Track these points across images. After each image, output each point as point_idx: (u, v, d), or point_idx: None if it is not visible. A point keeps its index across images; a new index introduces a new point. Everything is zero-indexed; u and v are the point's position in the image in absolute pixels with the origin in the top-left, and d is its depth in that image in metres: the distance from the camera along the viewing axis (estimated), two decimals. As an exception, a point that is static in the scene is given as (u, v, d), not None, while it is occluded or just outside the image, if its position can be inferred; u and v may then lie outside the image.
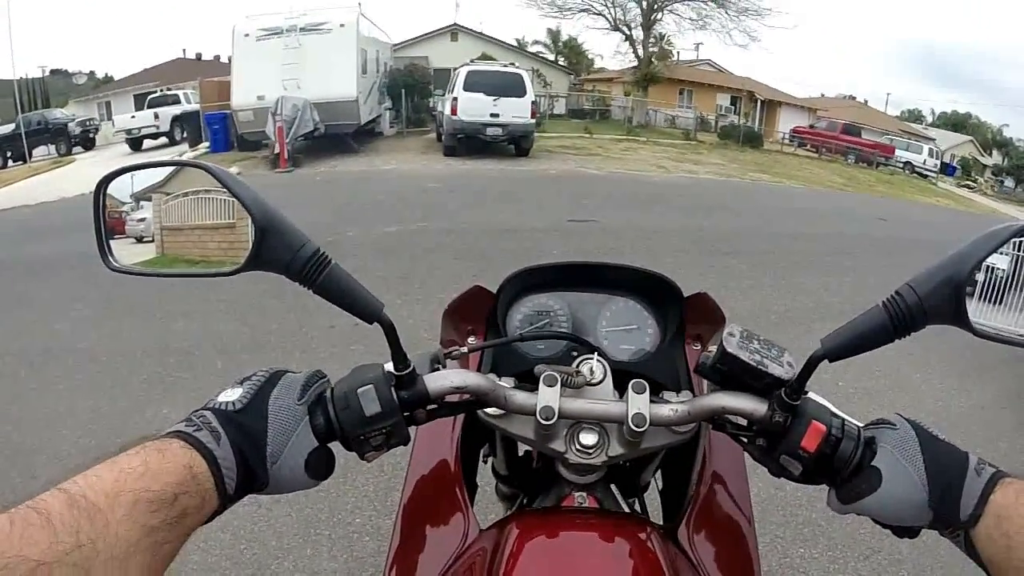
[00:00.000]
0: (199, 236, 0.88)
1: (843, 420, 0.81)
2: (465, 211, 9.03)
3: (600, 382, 0.96)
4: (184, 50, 46.44)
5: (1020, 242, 0.77)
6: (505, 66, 19.17)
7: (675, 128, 33.60)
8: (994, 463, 0.74)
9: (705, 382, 0.91)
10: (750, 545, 1.14)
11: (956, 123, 74.60)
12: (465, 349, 1.06)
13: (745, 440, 0.87)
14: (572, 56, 52.60)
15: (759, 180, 20.38)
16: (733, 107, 42.16)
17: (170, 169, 0.91)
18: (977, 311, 0.78)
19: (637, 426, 0.84)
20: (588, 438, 0.91)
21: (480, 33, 37.68)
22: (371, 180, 11.41)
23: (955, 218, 23.40)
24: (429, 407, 0.85)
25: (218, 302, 5.85)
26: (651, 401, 0.87)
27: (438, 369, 0.90)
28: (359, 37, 19.23)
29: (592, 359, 0.99)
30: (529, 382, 0.95)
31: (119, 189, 0.86)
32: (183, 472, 0.64)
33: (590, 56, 52.55)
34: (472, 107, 16.70)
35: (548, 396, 0.87)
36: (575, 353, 1.13)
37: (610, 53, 61.62)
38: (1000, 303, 0.94)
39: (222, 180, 0.78)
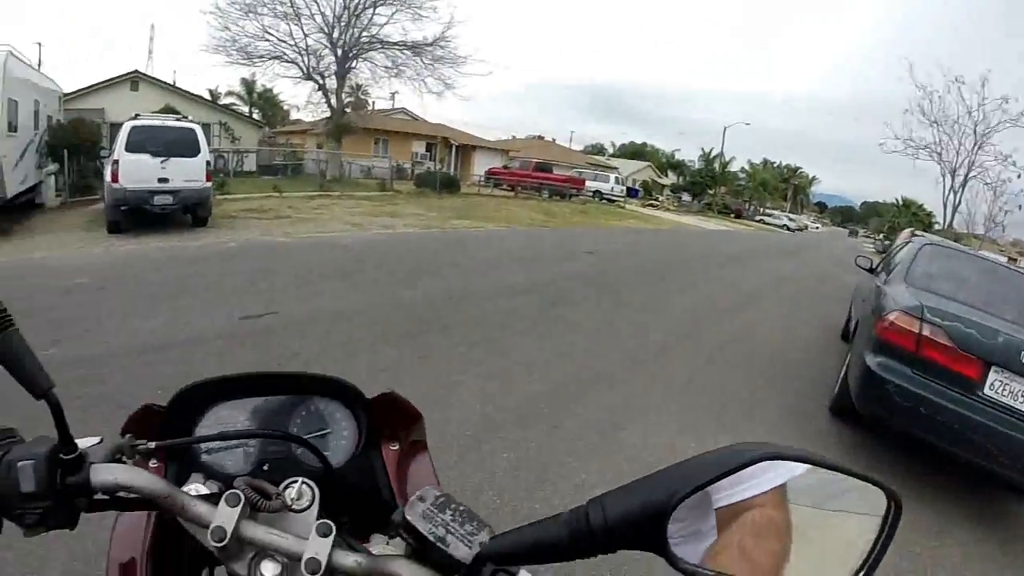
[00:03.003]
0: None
1: None
2: (112, 321, 7.05)
3: (304, 509, 0.89)
4: None
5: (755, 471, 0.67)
6: (178, 119, 16.68)
7: (371, 179, 33.17)
8: None
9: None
10: None
11: (634, 152, 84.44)
12: (152, 445, 0.97)
13: None
14: (267, 107, 51.03)
15: (460, 227, 20.30)
16: (429, 153, 43.19)
17: None
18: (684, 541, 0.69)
19: (312, 572, 0.78)
20: (269, 569, 0.82)
21: (164, 82, 34.94)
22: (3, 279, 9.15)
23: (651, 238, 25.56)
24: (95, 497, 0.81)
25: None
26: (341, 545, 0.81)
27: (120, 461, 0.88)
28: (7, 84, 16.01)
29: (298, 482, 0.90)
30: None
31: None
32: None
33: (286, 107, 51.17)
34: (136, 172, 14.08)
35: (224, 516, 0.81)
36: (267, 467, 1.18)
37: (303, 103, 60.48)
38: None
39: None
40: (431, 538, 0.76)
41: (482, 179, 40.93)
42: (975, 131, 41.25)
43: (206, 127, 28.38)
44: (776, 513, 0.72)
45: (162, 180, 14.46)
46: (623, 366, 7.26)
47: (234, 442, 1.21)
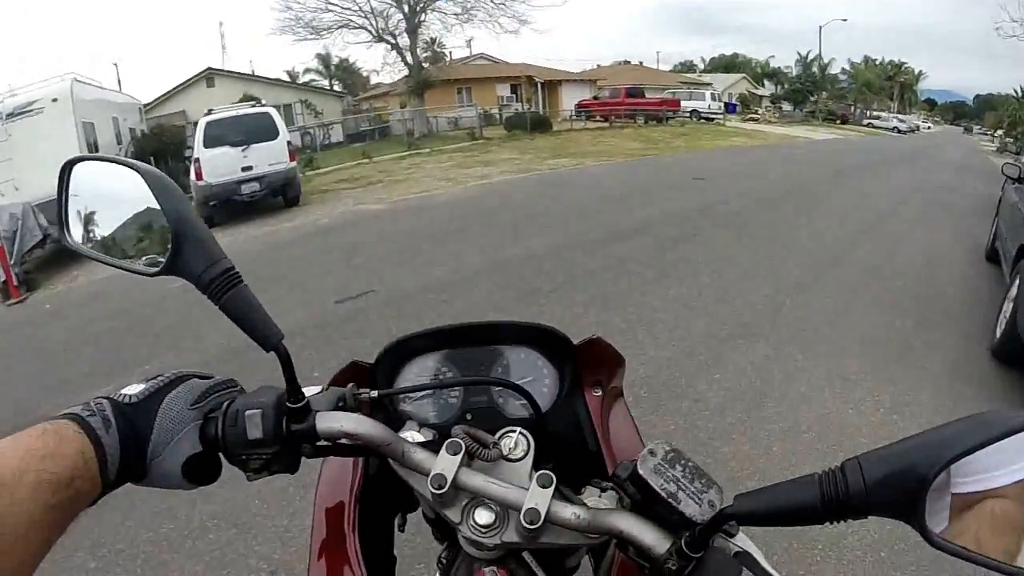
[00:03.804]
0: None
1: None
2: (204, 325, 6.30)
3: (519, 459, 0.85)
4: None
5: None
6: (252, 106, 16.46)
7: (460, 129, 32.49)
8: None
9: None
10: None
11: (726, 65, 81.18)
12: (375, 394, 0.96)
13: (639, 571, 0.77)
14: (347, 77, 51.07)
15: (558, 167, 19.27)
16: (514, 95, 42.07)
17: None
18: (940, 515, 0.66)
19: (530, 522, 0.75)
20: (483, 516, 0.80)
21: (239, 73, 35.46)
22: (104, 295, 8.79)
23: (759, 155, 24.07)
24: (318, 443, 0.82)
25: None
26: (559, 496, 0.79)
27: (341, 408, 0.88)
28: (78, 108, 16.25)
29: (515, 432, 0.87)
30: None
31: (78, 175, 0.88)
32: (78, 457, 0.65)
33: (364, 73, 51.00)
34: (219, 166, 13.87)
35: (444, 463, 0.79)
36: (470, 416, 1.18)
37: (380, 66, 60.19)
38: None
39: (149, 183, 0.78)
40: (663, 494, 0.72)
41: (573, 113, 39.58)
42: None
43: (287, 107, 28.30)
44: (1016, 508, 0.66)
45: (246, 168, 14.16)
46: (759, 314, 6.28)
47: (440, 393, 1.20)
